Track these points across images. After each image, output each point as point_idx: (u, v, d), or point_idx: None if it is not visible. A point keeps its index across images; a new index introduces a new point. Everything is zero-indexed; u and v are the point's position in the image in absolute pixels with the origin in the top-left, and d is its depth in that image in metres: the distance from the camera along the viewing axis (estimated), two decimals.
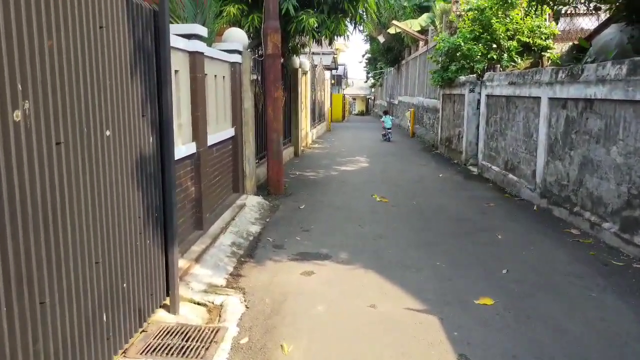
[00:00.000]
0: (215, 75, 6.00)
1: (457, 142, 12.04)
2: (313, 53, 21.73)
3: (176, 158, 4.35)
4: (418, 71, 21.19)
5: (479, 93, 10.86)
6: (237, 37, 6.92)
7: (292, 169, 10.56)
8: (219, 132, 6.09)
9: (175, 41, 4.41)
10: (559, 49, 13.63)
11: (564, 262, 4.77)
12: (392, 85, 32.16)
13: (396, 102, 29.04)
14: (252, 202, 6.87)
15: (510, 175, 8.27)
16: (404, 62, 26.64)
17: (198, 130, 5.03)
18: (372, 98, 50.92)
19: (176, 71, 4.61)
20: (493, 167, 9.19)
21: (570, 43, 14.07)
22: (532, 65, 11.80)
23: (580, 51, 13.63)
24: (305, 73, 14.25)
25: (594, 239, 5.43)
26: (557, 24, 12.82)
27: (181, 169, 4.68)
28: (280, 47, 7.44)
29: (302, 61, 13.52)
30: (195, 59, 4.94)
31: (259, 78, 8.19)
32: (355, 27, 9.99)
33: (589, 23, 14.66)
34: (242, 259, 4.82)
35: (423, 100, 19.30)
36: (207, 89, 5.65)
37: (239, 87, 6.92)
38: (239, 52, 6.86)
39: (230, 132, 6.65)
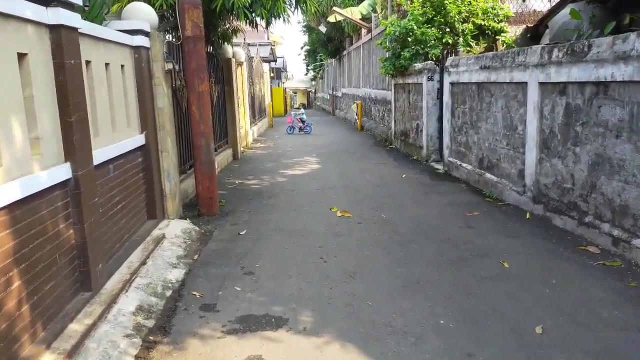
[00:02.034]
0: (107, 64, 4.25)
1: (415, 137, 10.81)
2: (249, 44, 19.97)
3: (26, 194, 2.65)
4: (362, 61, 19.96)
5: (439, 81, 9.65)
6: (141, 13, 5.16)
7: (230, 176, 8.87)
8: (117, 141, 4.35)
9: (8, 5, 2.68)
10: (512, 32, 12.82)
11: (606, 303, 3.49)
12: (334, 77, 30.88)
13: (340, 94, 27.78)
14: (174, 231, 5.17)
15: (488, 175, 7.06)
16: (345, 52, 25.39)
17: (73, 144, 3.30)
18: (313, 91, 49.58)
19: (22, 54, 2.87)
20: (463, 165, 7.98)
21: (524, 26, 13.32)
22: (487, 50, 10.80)
23: (534, 36, 12.80)
24: (240, 64, 12.52)
25: (622, 259, 4.23)
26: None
27: (41, 207, 2.95)
28: (202, 28, 5.74)
29: (235, 50, 11.79)
30: (62, 37, 3.20)
31: (179, 68, 6.45)
32: (296, 6, 8.41)
33: (541, 5, 13.96)
34: (151, 338, 3.16)
35: (370, 91, 18.07)
36: (92, 83, 3.89)
37: (147, 80, 5.17)
38: (146, 34, 5.11)
39: (137, 140, 4.91)
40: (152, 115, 5.28)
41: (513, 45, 11.18)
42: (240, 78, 12.56)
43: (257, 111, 17.33)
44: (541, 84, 5.56)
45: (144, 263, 4.22)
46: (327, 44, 28.04)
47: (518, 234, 5.14)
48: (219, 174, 8.89)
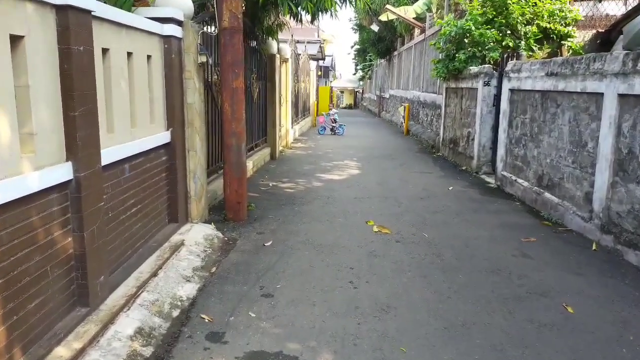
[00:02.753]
0: (129, 53, 3.88)
1: (465, 145, 10.04)
2: (298, 41, 19.62)
3: (7, 199, 2.27)
4: (413, 62, 19.18)
5: (497, 87, 8.87)
6: (174, 0, 4.78)
7: (265, 177, 8.47)
8: (137, 138, 3.98)
9: None
10: (579, 37, 11.80)
11: None
12: (382, 78, 30.13)
13: (387, 96, 27.03)
14: (196, 237, 4.78)
15: (548, 195, 6.28)
16: (396, 53, 24.62)
17: (76, 142, 2.92)
18: (361, 91, 48.88)
19: (17, 37, 2.50)
20: (519, 180, 7.21)
21: (594, 31, 12.22)
22: (550, 56, 9.89)
23: (605, 42, 11.68)
24: (285, 61, 12.12)
25: None
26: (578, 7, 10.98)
27: (30, 214, 2.58)
28: (240, 20, 5.32)
29: (281, 47, 11.41)
30: (69, 19, 2.82)
31: (216, 61, 6.07)
32: (344, 1, 7.88)
33: (615, 8, 12.78)
34: None
35: (419, 94, 17.29)
36: (109, 73, 3.53)
37: (177, 73, 4.79)
38: (178, 23, 4.73)
39: (161, 137, 4.54)
40: (181, 111, 4.91)
41: (580, 51, 10.20)
42: (284, 75, 12.17)
43: (300, 110, 16.94)
44: (621, 96, 4.77)
45: (155, 274, 3.82)
46: (378, 44, 27.33)
47: (583, 269, 4.40)
48: (253, 175, 8.52)
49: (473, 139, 9.53)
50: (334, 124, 16.88)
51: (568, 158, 5.86)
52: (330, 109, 18.43)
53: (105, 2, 3.57)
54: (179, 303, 3.55)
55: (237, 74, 5.31)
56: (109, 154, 3.42)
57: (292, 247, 4.82)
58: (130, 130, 3.90)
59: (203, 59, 5.13)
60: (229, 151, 5.43)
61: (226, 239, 5.05)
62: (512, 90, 7.66)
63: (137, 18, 3.96)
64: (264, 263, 4.38)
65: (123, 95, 3.75)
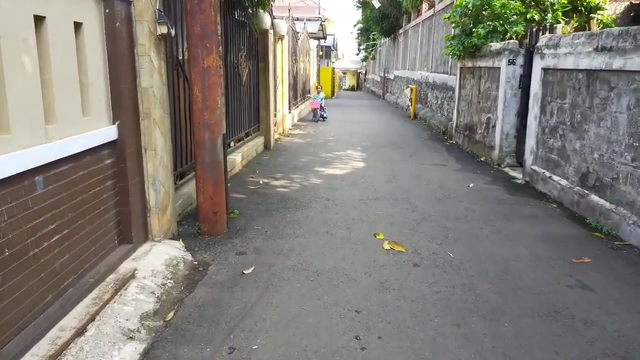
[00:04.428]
0: (39, 17, 2.71)
1: (484, 133, 8.86)
2: (297, 19, 18.27)
3: None
4: (420, 40, 17.84)
5: (523, 66, 7.65)
6: None
7: (255, 172, 7.33)
8: (58, 138, 2.84)
9: None
10: (611, 10, 10.55)
11: None
12: (387, 58, 28.72)
13: (392, 77, 25.68)
14: (154, 264, 3.67)
15: (595, 198, 5.14)
16: (401, 31, 23.20)
17: None
18: (364, 72, 47.35)
19: None
20: (555, 177, 6.05)
21: (627, 3, 10.90)
22: (577, 30, 8.64)
23: (639, 16, 10.35)
24: (281, 38, 10.87)
25: None
26: None
27: None
28: None
29: (276, 22, 10.15)
30: None
31: (181, 33, 4.87)
32: None
33: None
34: None
35: (427, 75, 16.01)
36: None
37: (126, 48, 3.62)
38: None
39: (102, 134, 3.39)
40: (133, 99, 3.75)
41: (612, 25, 8.97)
42: (280, 54, 10.94)
43: (299, 92, 15.70)
44: None
45: (81, 332, 2.72)
46: (382, 22, 25.85)
47: None
48: (242, 170, 7.39)
49: (494, 126, 8.34)
50: (321, 110, 14.87)
51: (626, 154, 4.69)
52: (318, 90, 15.29)
53: None
54: None
55: (210, 50, 4.13)
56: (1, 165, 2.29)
57: (280, 276, 3.70)
58: (45, 127, 2.75)
59: (163, 29, 3.95)
60: (201, 148, 4.28)
61: (196, 263, 3.93)
62: (545, 70, 6.45)
63: None
64: (239, 304, 3.26)
65: (27, 79, 2.59)
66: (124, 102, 3.62)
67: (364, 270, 3.85)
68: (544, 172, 6.36)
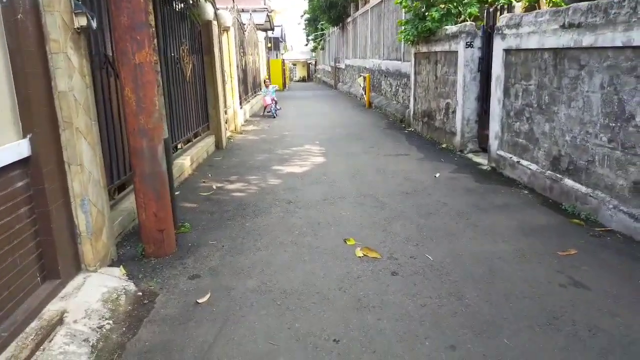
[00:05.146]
0: None
1: (444, 119, 8.59)
2: (242, 10, 17.51)
3: None
4: (370, 28, 17.52)
5: (482, 48, 7.40)
6: None
7: (207, 175, 6.72)
8: None
9: None
10: None
11: None
12: (336, 48, 28.33)
13: (343, 66, 25.34)
14: (88, 301, 3.06)
15: (569, 182, 4.91)
16: (350, 19, 22.84)
17: None
18: (314, 63, 46.85)
19: None
20: (523, 162, 5.81)
21: None
22: (528, 10, 8.51)
23: None
24: (226, 30, 10.19)
25: None
26: None
27: None
28: None
29: (220, 13, 9.48)
30: None
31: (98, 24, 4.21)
32: None
33: None
34: None
35: (380, 62, 15.72)
36: None
37: (34, 45, 2.97)
38: None
39: (9, 151, 2.75)
40: (48, 106, 3.10)
41: (561, 3, 8.90)
42: (226, 47, 10.26)
43: (250, 87, 15.02)
44: None
45: None
46: (329, 11, 25.42)
47: None
48: (192, 174, 6.76)
49: (454, 112, 8.08)
50: (272, 104, 13.82)
51: (601, 135, 4.45)
52: (267, 85, 14.29)
53: None
54: None
55: (141, 43, 3.51)
56: None
57: (242, 303, 3.18)
58: None
59: (82, 20, 3.29)
60: (139, 158, 3.67)
61: (140, 294, 3.34)
62: (507, 51, 6.18)
63: None
64: (194, 345, 2.72)
65: None
66: (36, 110, 2.97)
67: (337, 284, 3.39)
68: (511, 157, 6.12)
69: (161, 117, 3.90)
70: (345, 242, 4.17)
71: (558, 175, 5.14)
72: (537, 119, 5.54)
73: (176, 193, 5.71)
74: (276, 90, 14.32)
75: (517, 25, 5.83)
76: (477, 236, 4.25)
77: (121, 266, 3.67)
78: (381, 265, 3.70)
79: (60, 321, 2.84)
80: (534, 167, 5.60)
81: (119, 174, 4.58)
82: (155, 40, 4.05)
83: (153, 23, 3.99)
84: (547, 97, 5.34)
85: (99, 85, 4.17)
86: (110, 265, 3.70)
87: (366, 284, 3.39)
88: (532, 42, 5.50)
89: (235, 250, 4.04)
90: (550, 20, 5.14)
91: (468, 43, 7.47)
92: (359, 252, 3.91)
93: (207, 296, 3.26)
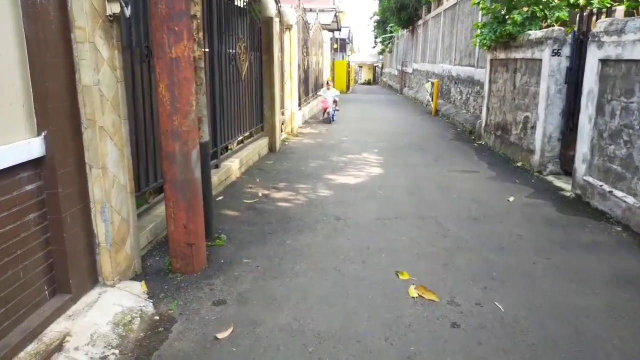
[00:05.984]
0: None
1: (521, 134, 7.71)
2: (310, 10, 17.22)
3: None
4: (442, 31, 16.63)
5: (570, 57, 6.50)
6: None
7: (256, 180, 6.33)
8: None
9: None
10: None
11: None
12: (405, 51, 27.47)
13: (410, 70, 24.45)
14: (96, 324, 2.69)
15: None
16: (420, 22, 21.96)
17: None
18: (380, 66, 46.05)
19: None
20: (617, 193, 4.92)
21: None
22: (627, 16, 7.45)
23: None
24: (289, 28, 9.82)
25: None
26: None
27: None
28: None
29: (283, 9, 9.11)
30: None
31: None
32: None
33: None
34: None
35: (450, 68, 14.83)
36: None
37: (56, 33, 2.63)
38: None
39: (18, 150, 2.42)
40: (69, 101, 2.76)
41: None
42: (288, 45, 9.90)
43: (310, 88, 14.64)
44: None
45: None
46: (400, 13, 24.62)
47: None
48: (240, 177, 6.40)
49: (533, 127, 7.20)
50: (333, 108, 12.69)
51: None
52: (329, 87, 13.20)
53: None
54: None
55: (179, 35, 3.11)
56: None
57: (267, 346, 2.68)
58: None
59: (115, 7, 2.94)
60: (170, 163, 3.28)
61: (157, 318, 2.94)
62: (604, 62, 5.29)
63: None
64: None
65: None
66: (54, 105, 2.63)
67: (383, 333, 2.82)
68: (601, 186, 5.22)
69: (198, 119, 3.50)
70: (397, 275, 3.57)
71: None
72: (639, 144, 4.65)
73: (219, 199, 5.37)
74: (337, 96, 13.09)
75: (620, 31, 4.94)
76: (560, 282, 3.50)
77: (143, 282, 3.30)
78: (439, 311, 3.07)
79: (59, 347, 2.48)
80: (630, 200, 4.70)
81: (155, 176, 4.24)
82: (201, 33, 3.65)
83: (199, 14, 3.59)
84: None
85: (138, 81, 3.84)
86: (132, 279, 3.34)
87: (419, 336, 2.79)
88: (639, 52, 4.61)
89: (271, 273, 3.56)
90: None
91: (555, 51, 6.58)
92: (413, 292, 3.30)
93: (230, 330, 2.79)
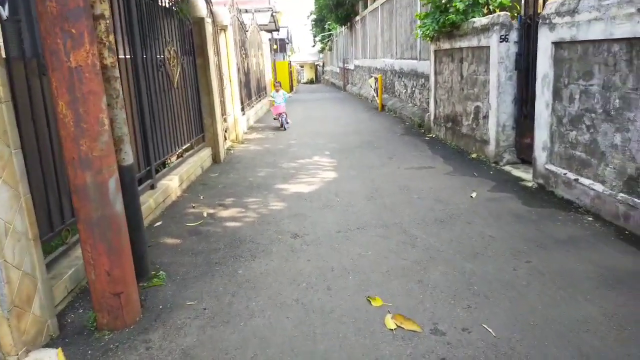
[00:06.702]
0: None
1: (473, 125, 7.49)
2: (245, 10, 16.56)
3: None
4: (381, 26, 16.45)
5: (518, 42, 6.30)
6: None
7: (199, 197, 5.69)
8: None
9: None
10: None
11: None
12: (345, 48, 27.30)
13: (352, 67, 24.28)
14: None
15: None
16: (358, 18, 21.80)
17: None
18: (321, 64, 45.86)
19: None
20: (584, 181, 4.70)
21: None
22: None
23: None
24: (223, 29, 9.17)
25: None
26: None
27: None
28: None
29: (214, 9, 8.46)
30: None
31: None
32: None
33: None
34: None
35: (392, 62, 14.64)
36: None
37: None
38: None
39: None
40: None
41: None
42: (225, 48, 9.24)
43: (253, 91, 14.00)
44: None
45: None
46: (336, 10, 24.41)
47: None
48: (183, 194, 5.75)
49: (485, 117, 6.98)
50: (283, 114, 11.51)
51: None
52: (277, 89, 11.79)
53: None
54: None
55: (77, 39, 2.47)
56: None
57: None
58: None
59: None
60: (81, 198, 2.63)
61: None
62: (558, 44, 5.07)
63: None
64: None
65: None
66: None
67: None
68: (565, 174, 5.00)
69: (117, 140, 2.87)
70: (369, 301, 3.10)
71: (636, 199, 4.02)
72: (603, 128, 4.43)
73: (157, 224, 4.71)
74: (286, 97, 11.97)
75: (573, 11, 4.72)
76: (547, 291, 3.15)
77: (59, 349, 2.63)
78: (423, 345, 2.62)
79: None
80: (599, 187, 4.48)
81: (72, 210, 3.54)
82: (112, 36, 3.01)
83: (107, 13, 2.95)
84: (617, 101, 4.22)
85: (38, 98, 3.14)
86: (46, 346, 2.67)
87: None
88: (595, 32, 4.39)
89: (221, 317, 2.99)
90: (621, 2, 4.03)
91: (502, 37, 6.37)
92: (390, 322, 2.83)
93: None
